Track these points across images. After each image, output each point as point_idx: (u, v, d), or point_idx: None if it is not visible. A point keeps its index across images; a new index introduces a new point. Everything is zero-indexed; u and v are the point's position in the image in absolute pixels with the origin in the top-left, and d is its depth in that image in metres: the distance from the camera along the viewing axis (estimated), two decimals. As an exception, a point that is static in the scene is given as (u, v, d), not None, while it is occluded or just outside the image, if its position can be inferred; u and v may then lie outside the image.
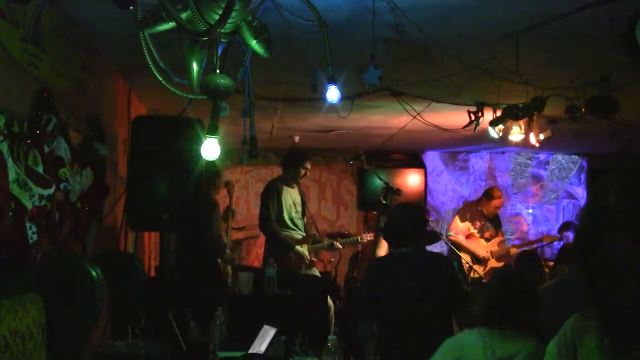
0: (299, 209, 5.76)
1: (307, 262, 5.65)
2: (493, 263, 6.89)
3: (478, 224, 7.04)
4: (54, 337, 2.74)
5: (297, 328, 3.72)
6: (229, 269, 5.81)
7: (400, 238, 3.71)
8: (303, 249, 5.61)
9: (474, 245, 6.93)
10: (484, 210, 7.08)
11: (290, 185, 5.71)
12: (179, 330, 4.44)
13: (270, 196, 5.58)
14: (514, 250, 7.34)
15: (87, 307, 3.08)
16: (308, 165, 5.76)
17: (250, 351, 3.42)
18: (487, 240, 7.04)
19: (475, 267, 6.73)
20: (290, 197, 5.69)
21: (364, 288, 3.84)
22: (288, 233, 5.60)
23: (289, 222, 5.62)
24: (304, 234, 5.74)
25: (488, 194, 7.17)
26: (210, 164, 4.92)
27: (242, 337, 3.63)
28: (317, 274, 5.64)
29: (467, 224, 7.02)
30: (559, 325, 1.67)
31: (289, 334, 3.56)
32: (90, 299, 3.09)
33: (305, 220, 5.84)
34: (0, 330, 2.26)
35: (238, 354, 3.43)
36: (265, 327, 3.51)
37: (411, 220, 3.74)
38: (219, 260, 5.78)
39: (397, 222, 3.76)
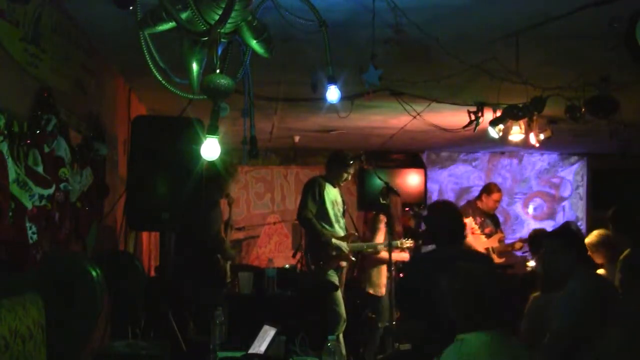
0: (341, 208, 5.78)
1: (349, 259, 5.68)
2: (494, 259, 6.94)
3: (478, 219, 7.08)
4: (54, 337, 2.74)
5: (297, 328, 3.72)
6: (228, 267, 5.80)
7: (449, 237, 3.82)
8: (345, 246, 5.62)
9: (475, 240, 6.96)
10: (483, 207, 7.12)
11: (332, 184, 5.72)
12: (179, 330, 4.44)
13: (311, 190, 5.59)
14: (519, 245, 7.36)
15: (87, 307, 3.08)
16: (351, 171, 5.78)
17: (250, 351, 3.42)
18: (488, 236, 7.07)
19: None
20: (333, 194, 5.70)
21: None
22: (331, 230, 5.61)
23: (332, 218, 5.63)
24: (346, 232, 5.77)
25: (487, 189, 7.22)
26: (214, 166, 4.93)
27: (242, 337, 3.63)
28: (335, 281, 5.64)
29: (469, 219, 7.05)
30: None
31: (289, 334, 3.56)
32: (90, 299, 3.10)
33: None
34: (0, 330, 2.26)
35: (238, 354, 3.43)
36: (265, 327, 3.51)
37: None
38: (219, 256, 5.77)
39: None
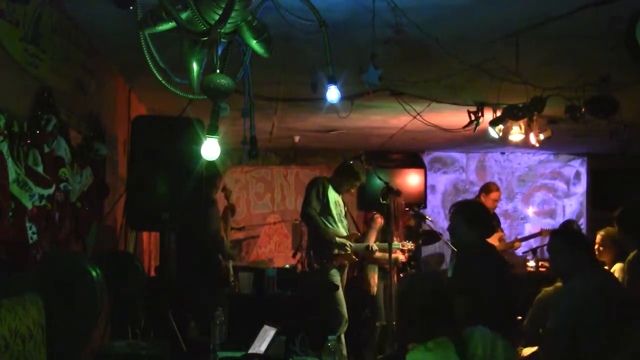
0: (342, 209, 5.84)
1: (352, 259, 5.70)
2: None
3: None
4: (54, 337, 2.74)
5: (297, 328, 3.73)
6: (230, 266, 5.79)
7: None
8: (349, 244, 5.64)
9: None
10: None
11: (333, 189, 5.77)
12: (179, 330, 4.44)
13: (315, 188, 5.64)
14: (517, 245, 7.35)
15: (87, 307, 3.08)
16: (357, 184, 5.88)
17: (250, 351, 3.42)
18: None
19: None
20: (335, 195, 5.75)
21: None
22: (335, 228, 5.64)
23: (336, 217, 5.67)
24: (348, 232, 5.80)
25: (486, 188, 7.21)
26: (211, 164, 4.94)
27: (242, 337, 3.63)
28: (337, 280, 5.64)
29: None
30: None
31: (289, 334, 3.56)
32: (90, 299, 3.10)
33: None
34: (0, 330, 2.27)
35: (238, 354, 3.43)
36: (265, 327, 3.52)
37: None
38: (219, 256, 5.78)
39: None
